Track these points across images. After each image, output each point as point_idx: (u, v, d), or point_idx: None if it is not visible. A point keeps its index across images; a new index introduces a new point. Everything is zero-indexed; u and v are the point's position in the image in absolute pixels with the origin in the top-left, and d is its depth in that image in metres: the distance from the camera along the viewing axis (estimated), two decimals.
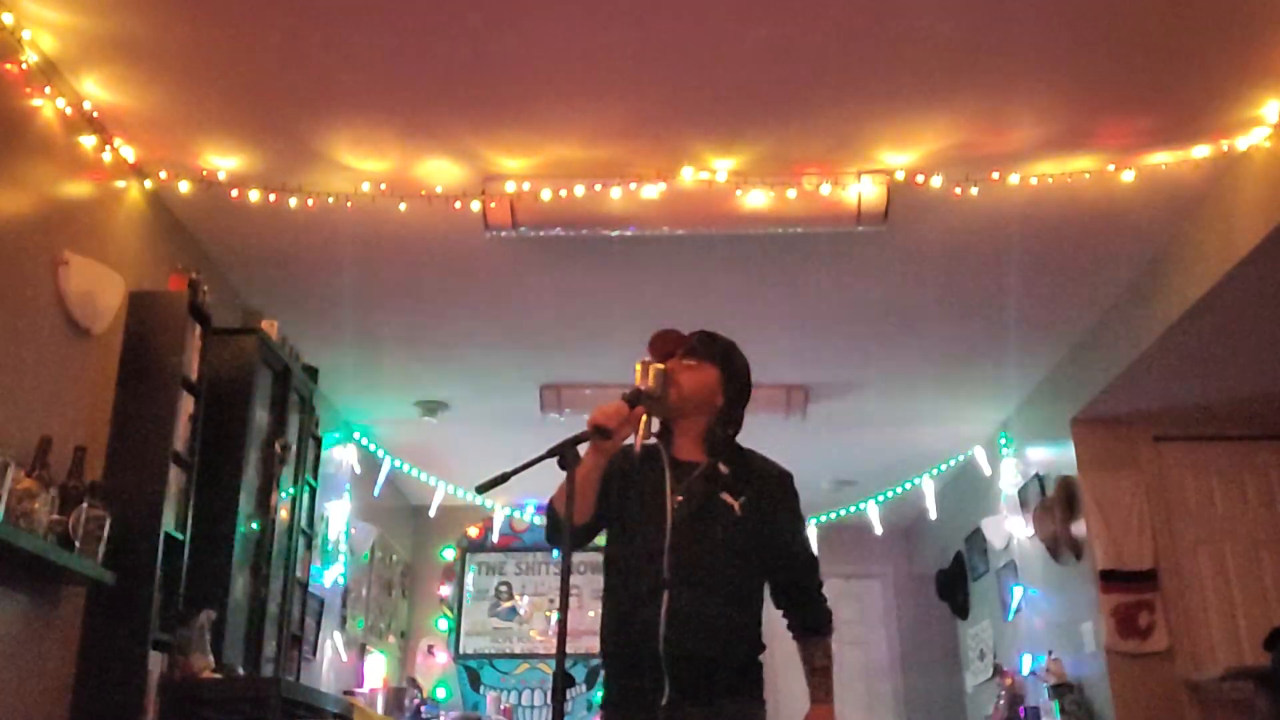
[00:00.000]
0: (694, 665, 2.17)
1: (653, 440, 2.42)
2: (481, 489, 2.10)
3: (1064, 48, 3.11)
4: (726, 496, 2.29)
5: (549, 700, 7.41)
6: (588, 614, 7.56)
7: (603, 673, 2.34)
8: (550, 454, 2.09)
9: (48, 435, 2.93)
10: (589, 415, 2.21)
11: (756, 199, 3.71)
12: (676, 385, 2.35)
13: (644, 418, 2.25)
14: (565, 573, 1.99)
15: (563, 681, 1.97)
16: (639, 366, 2.29)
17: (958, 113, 3.40)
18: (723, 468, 2.33)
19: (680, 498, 2.29)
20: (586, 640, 7.54)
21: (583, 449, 2.18)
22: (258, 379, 3.95)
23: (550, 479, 2.20)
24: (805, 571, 2.41)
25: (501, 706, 7.13)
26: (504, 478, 2.08)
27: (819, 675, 2.38)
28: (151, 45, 3.08)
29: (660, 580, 2.21)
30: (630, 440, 2.28)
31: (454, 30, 3.04)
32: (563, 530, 2.23)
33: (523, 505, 7.50)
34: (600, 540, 2.42)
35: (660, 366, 2.31)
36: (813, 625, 2.41)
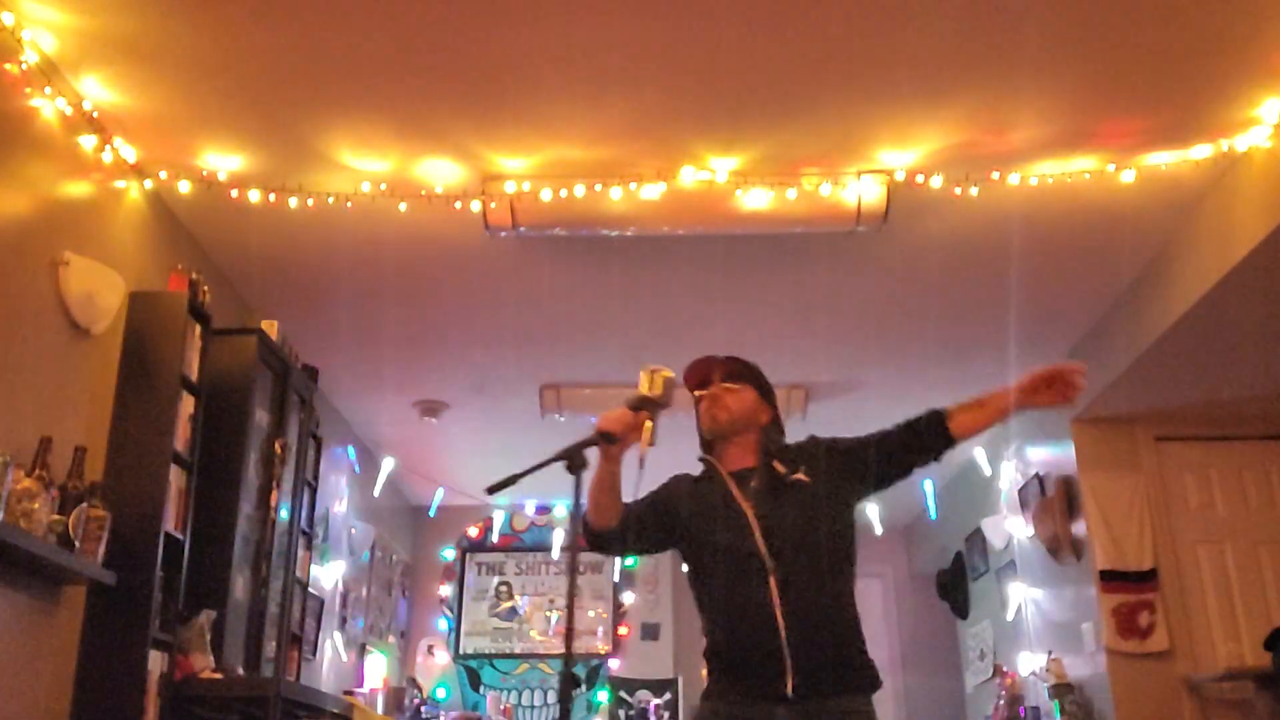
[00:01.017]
0: (814, 643, 2.24)
1: (702, 464, 2.54)
2: (492, 490, 2.14)
3: (1064, 48, 3.11)
4: (794, 477, 2.41)
5: (549, 700, 7.42)
6: (587, 614, 7.57)
7: (710, 670, 2.37)
8: (559, 457, 2.13)
9: (48, 435, 2.94)
10: (595, 420, 2.26)
11: (756, 199, 3.71)
12: (725, 409, 2.48)
13: (648, 424, 2.27)
14: (572, 573, 2.01)
15: (569, 682, 1.97)
16: (644, 374, 2.33)
17: (958, 113, 3.40)
18: (777, 465, 2.44)
19: (751, 500, 2.38)
20: (586, 640, 7.56)
21: (592, 455, 2.21)
22: (258, 379, 3.95)
23: (553, 481, 2.20)
24: (886, 430, 2.49)
25: (501, 706, 7.13)
26: (514, 479, 2.13)
27: (986, 399, 2.44)
28: (151, 45, 3.08)
29: (763, 567, 2.29)
30: (635, 446, 2.31)
31: (454, 30, 3.04)
32: (600, 538, 2.38)
33: (522, 505, 7.50)
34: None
35: (668, 374, 2.34)
36: (933, 414, 2.46)
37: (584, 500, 2.33)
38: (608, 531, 2.39)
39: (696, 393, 2.55)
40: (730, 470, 2.47)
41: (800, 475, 2.40)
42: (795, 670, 2.21)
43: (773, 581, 2.27)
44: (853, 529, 2.45)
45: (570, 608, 1.99)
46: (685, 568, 2.49)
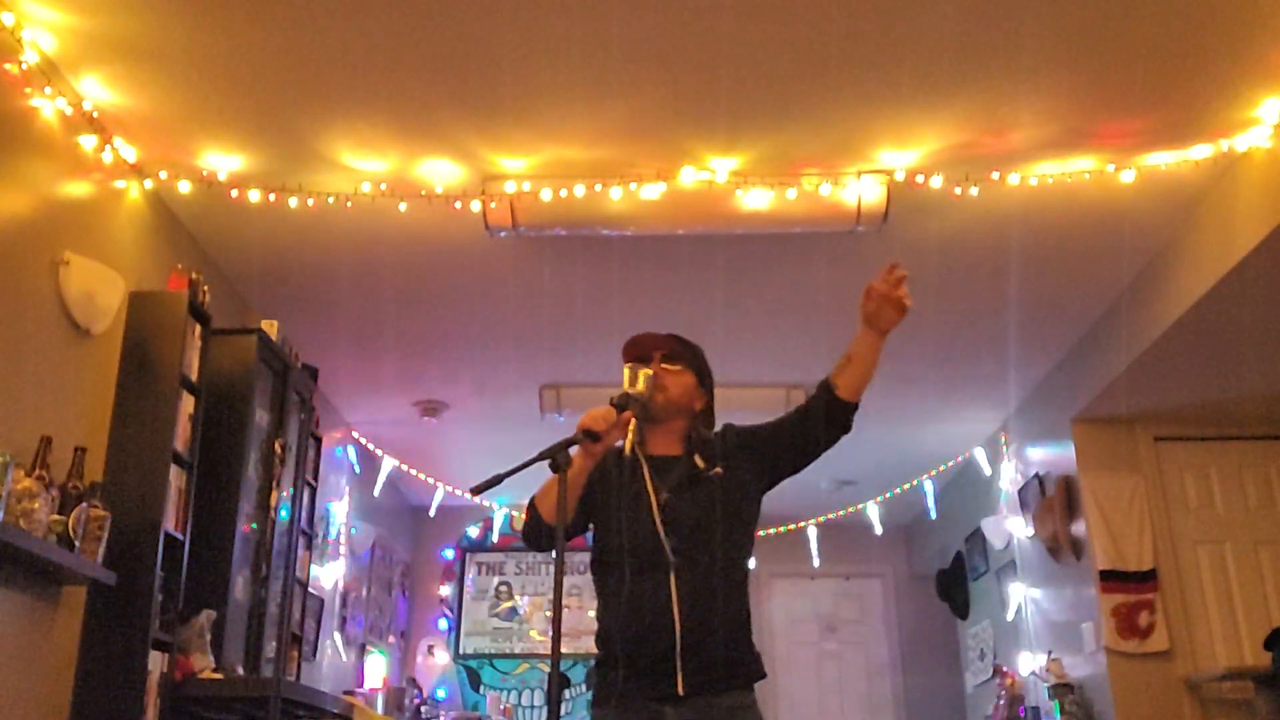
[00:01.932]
0: (707, 640, 2.18)
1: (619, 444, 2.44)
2: (476, 491, 2.12)
3: (1064, 48, 3.11)
4: (712, 472, 2.35)
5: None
6: (587, 614, 7.56)
7: (597, 669, 2.31)
8: (542, 457, 2.11)
9: (48, 435, 2.94)
10: (578, 419, 2.23)
11: (756, 199, 3.71)
12: (663, 389, 2.38)
13: (631, 422, 2.27)
14: (559, 574, 2.00)
15: (558, 682, 1.97)
16: (627, 371, 2.33)
17: (958, 113, 3.40)
18: (698, 460, 2.37)
19: (665, 490, 2.32)
20: (586, 641, 7.55)
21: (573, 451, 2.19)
22: (258, 379, 3.96)
23: (543, 478, 2.21)
24: (787, 413, 2.43)
25: (501, 706, 7.13)
26: (497, 480, 2.11)
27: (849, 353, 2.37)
28: (151, 45, 3.08)
29: (664, 562, 2.23)
30: (620, 443, 2.31)
31: (454, 30, 3.04)
32: (543, 529, 2.31)
33: (523, 505, 7.50)
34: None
35: (648, 371, 2.33)
36: (821, 385, 2.39)
37: (539, 493, 2.33)
38: (565, 528, 2.32)
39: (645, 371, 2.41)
40: (651, 455, 2.39)
41: (717, 470, 2.34)
42: (686, 668, 2.17)
43: (673, 578, 2.22)
44: (755, 520, 2.40)
45: (557, 607, 1.98)
46: (591, 551, 2.42)
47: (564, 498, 2.09)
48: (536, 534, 2.37)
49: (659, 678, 2.17)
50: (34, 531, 2.73)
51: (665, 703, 2.16)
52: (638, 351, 2.44)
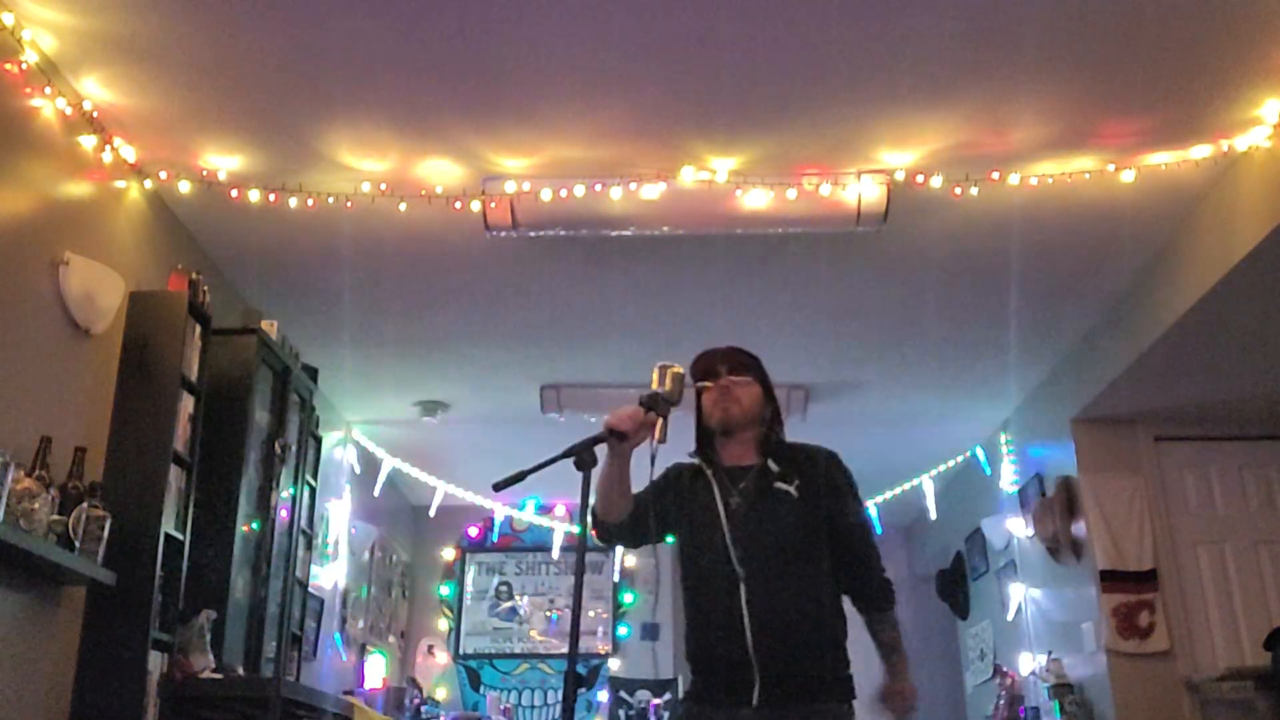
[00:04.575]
0: (782, 653, 2.22)
1: (694, 460, 2.51)
2: (499, 486, 2.12)
3: (1064, 48, 3.11)
4: (781, 484, 2.39)
5: (549, 700, 7.42)
6: (587, 614, 7.56)
7: (688, 673, 2.39)
8: (567, 454, 2.11)
9: (48, 435, 2.94)
10: (605, 417, 2.23)
11: (756, 199, 3.71)
12: (737, 401, 2.44)
13: (659, 422, 2.24)
14: (579, 574, 2.00)
15: (574, 681, 1.97)
16: (656, 371, 2.30)
17: (958, 113, 3.40)
18: (772, 465, 2.41)
19: (736, 498, 2.37)
20: (587, 640, 7.55)
21: (601, 452, 2.21)
22: (258, 379, 3.96)
23: (558, 479, 2.21)
24: (860, 545, 2.44)
25: (501, 706, 7.13)
26: (521, 476, 2.11)
27: (885, 650, 2.43)
28: (151, 45, 3.08)
29: (733, 575, 2.28)
30: (647, 444, 2.29)
31: (454, 30, 3.04)
32: (610, 531, 2.38)
33: (521, 505, 7.50)
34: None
35: (678, 370, 2.32)
36: (874, 600, 2.44)
37: (592, 497, 2.35)
38: (617, 524, 2.39)
39: (701, 384, 2.49)
40: (728, 466, 2.44)
41: (789, 487, 2.38)
42: (762, 679, 2.21)
43: (742, 590, 2.26)
44: (828, 552, 2.40)
45: (576, 607, 1.98)
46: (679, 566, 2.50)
47: (587, 495, 2.11)
48: (605, 536, 2.44)
49: (736, 687, 2.23)
50: (34, 531, 2.73)
51: (741, 708, 2.22)
52: (704, 368, 2.49)
